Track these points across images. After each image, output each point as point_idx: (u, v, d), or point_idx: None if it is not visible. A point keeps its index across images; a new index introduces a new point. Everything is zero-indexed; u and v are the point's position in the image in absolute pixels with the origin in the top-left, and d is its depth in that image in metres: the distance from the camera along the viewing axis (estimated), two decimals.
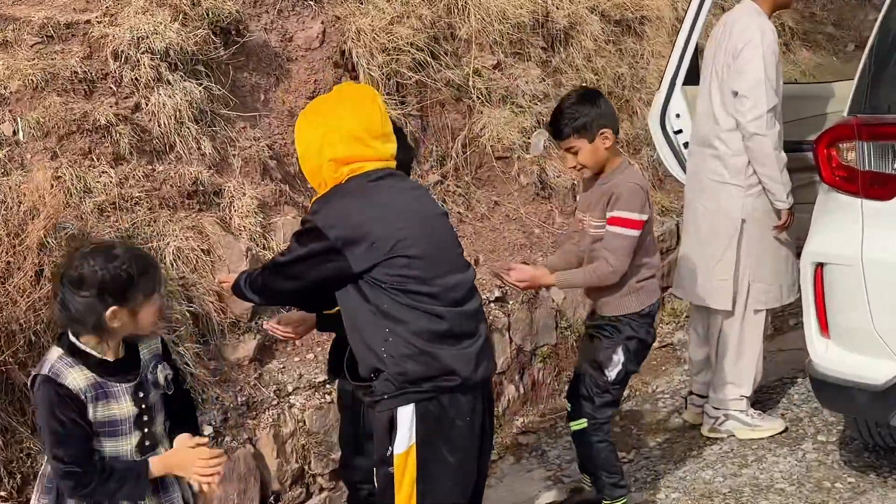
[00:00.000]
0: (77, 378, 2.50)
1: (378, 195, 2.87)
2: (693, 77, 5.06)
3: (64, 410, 2.49)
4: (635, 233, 3.61)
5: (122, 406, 2.57)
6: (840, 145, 3.51)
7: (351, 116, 2.90)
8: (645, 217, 3.64)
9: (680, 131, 5.17)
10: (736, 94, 4.22)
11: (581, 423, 3.83)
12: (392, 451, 2.85)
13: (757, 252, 4.39)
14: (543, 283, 3.90)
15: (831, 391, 3.62)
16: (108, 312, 2.49)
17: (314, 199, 2.99)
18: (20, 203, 3.43)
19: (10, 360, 3.29)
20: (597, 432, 3.81)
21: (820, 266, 3.59)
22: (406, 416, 2.82)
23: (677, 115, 5.16)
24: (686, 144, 5.03)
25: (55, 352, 2.56)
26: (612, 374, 3.76)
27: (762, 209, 4.34)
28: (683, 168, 5.08)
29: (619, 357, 3.76)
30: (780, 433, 4.58)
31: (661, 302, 4.12)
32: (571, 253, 3.97)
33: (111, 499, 2.59)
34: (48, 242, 3.48)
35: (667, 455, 4.61)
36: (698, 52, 5.16)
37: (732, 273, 4.41)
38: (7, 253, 3.30)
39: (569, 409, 3.93)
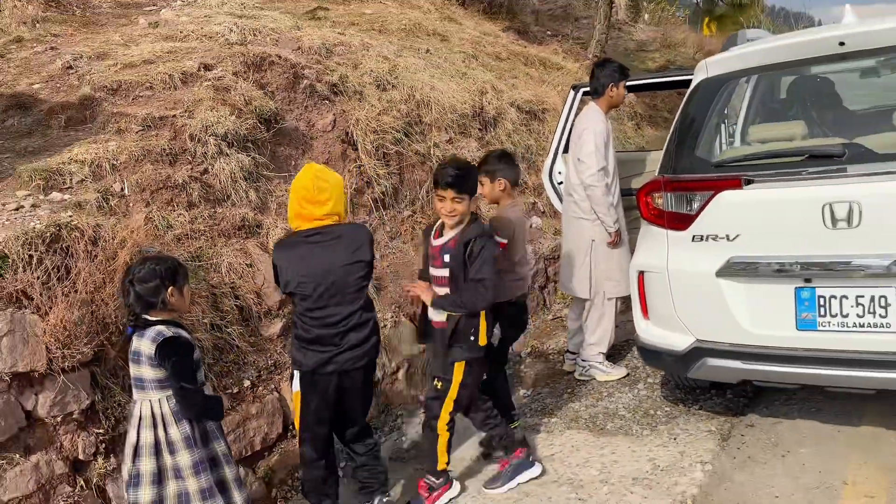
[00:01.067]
0: (185, 334, 2.57)
1: (299, 249, 2.93)
2: (567, 148, 4.85)
3: (191, 354, 2.53)
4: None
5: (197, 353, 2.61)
6: (653, 194, 3.30)
7: (299, 185, 2.93)
8: (504, 241, 3.43)
9: (561, 182, 4.96)
10: (579, 160, 4.12)
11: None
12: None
13: (605, 260, 4.22)
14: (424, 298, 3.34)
15: (651, 355, 3.43)
16: (167, 291, 2.55)
17: None
18: (114, 237, 3.19)
19: (106, 341, 3.06)
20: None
21: (641, 273, 3.39)
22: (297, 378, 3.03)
23: (559, 172, 4.97)
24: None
25: (158, 326, 2.51)
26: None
27: (604, 233, 4.20)
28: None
29: (497, 331, 3.49)
30: (624, 377, 4.39)
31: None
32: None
33: (211, 415, 2.59)
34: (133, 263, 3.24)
35: (552, 393, 4.40)
36: (571, 132, 4.95)
37: (589, 274, 4.26)
38: (102, 271, 3.06)
39: None
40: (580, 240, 4.26)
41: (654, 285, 3.31)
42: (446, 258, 3.00)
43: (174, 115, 4.28)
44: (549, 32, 10.77)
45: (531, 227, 6.18)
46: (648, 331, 3.39)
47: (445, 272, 3.03)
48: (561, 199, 5.01)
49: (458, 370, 3.07)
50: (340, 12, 7.83)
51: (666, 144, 3.38)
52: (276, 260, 2.95)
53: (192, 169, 4.11)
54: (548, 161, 5.03)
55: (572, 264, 4.33)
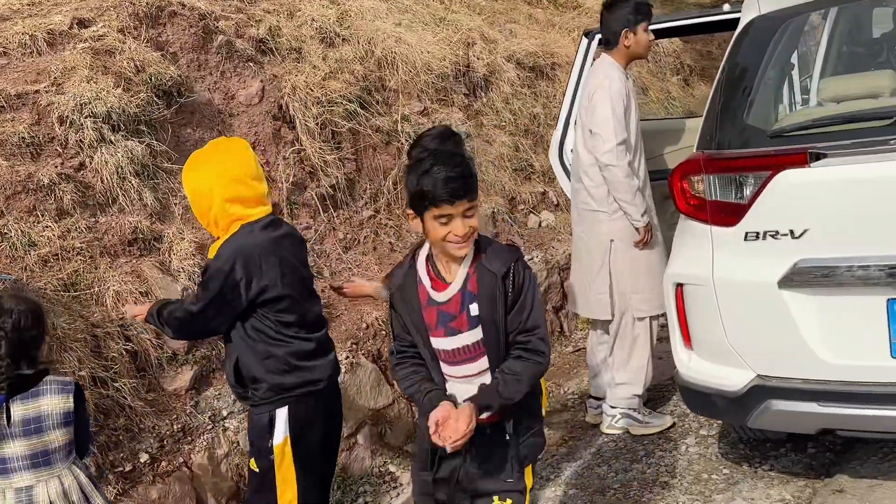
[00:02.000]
0: None
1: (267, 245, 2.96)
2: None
3: None
4: None
5: None
6: (692, 178, 3.33)
7: (233, 163, 2.95)
8: None
9: None
10: (591, 132, 4.17)
11: None
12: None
13: (629, 266, 4.26)
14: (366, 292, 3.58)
15: (696, 397, 3.44)
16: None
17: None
18: None
19: None
20: None
21: (680, 286, 3.41)
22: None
23: (571, 150, 4.98)
24: None
25: (50, 376, 2.79)
26: None
27: (627, 230, 4.22)
28: None
29: None
30: (668, 428, 4.41)
31: None
32: None
33: None
34: None
35: (570, 452, 4.42)
36: (582, 96, 5.00)
37: (608, 287, 4.29)
38: None
39: None
40: (595, 241, 4.30)
41: (696, 302, 3.34)
42: (473, 310, 2.45)
43: (37, 91, 4.30)
44: None
45: (539, 226, 6.22)
46: (692, 365, 3.42)
47: (477, 335, 2.48)
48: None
49: (530, 473, 2.64)
50: None
51: (707, 109, 3.42)
52: (252, 257, 2.90)
53: (62, 164, 4.13)
54: (556, 135, 5.07)
55: (586, 275, 4.37)
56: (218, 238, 2.99)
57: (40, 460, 2.67)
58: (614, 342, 4.42)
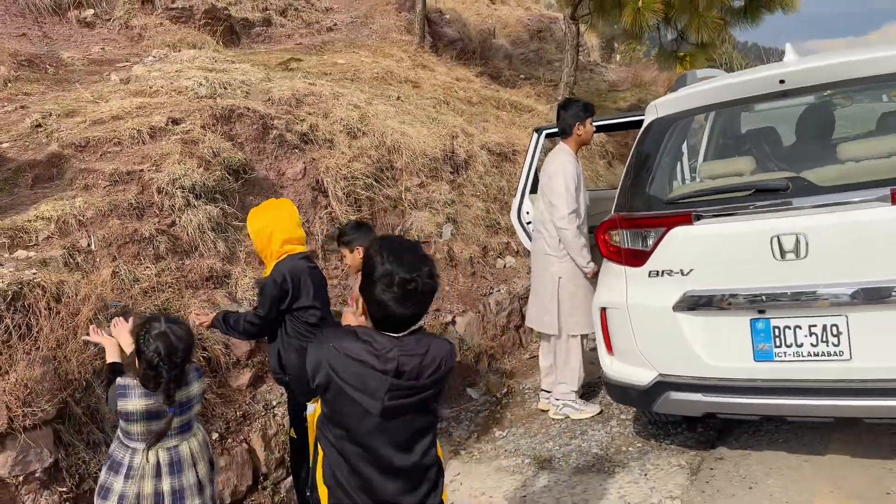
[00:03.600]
0: None
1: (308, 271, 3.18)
2: (535, 188, 4.98)
3: None
4: None
5: None
6: (611, 232, 3.40)
7: (287, 214, 3.18)
8: None
9: (529, 222, 5.07)
10: (550, 202, 4.22)
11: None
12: None
13: (570, 298, 4.30)
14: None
15: (617, 390, 3.47)
16: None
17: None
18: (77, 293, 3.23)
19: (69, 398, 3.07)
20: None
21: (604, 309, 3.46)
22: None
23: (527, 212, 5.08)
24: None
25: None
26: None
27: (571, 270, 4.27)
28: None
29: None
30: (598, 414, 4.41)
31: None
32: None
33: None
34: (98, 317, 3.28)
35: (527, 432, 4.41)
36: (537, 174, 5.10)
37: (556, 311, 4.33)
38: (64, 327, 3.10)
39: None
40: (547, 276, 4.34)
41: (615, 321, 3.38)
42: None
43: (142, 170, 4.36)
44: (521, 76, 11.06)
45: (504, 267, 6.27)
46: (613, 367, 3.45)
47: None
48: (531, 238, 5.12)
49: None
50: (313, 63, 8.03)
51: (620, 183, 3.49)
52: (297, 276, 3.08)
53: (158, 222, 4.17)
54: (515, 201, 5.14)
55: (540, 300, 4.41)
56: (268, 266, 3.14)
57: (185, 427, 2.65)
58: (556, 351, 4.44)
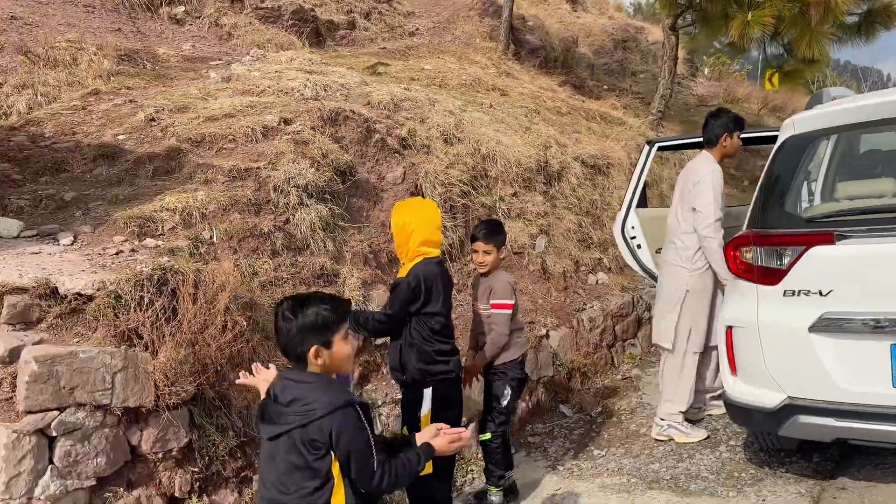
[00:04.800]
0: None
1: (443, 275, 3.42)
2: (642, 202, 5.14)
3: None
4: (509, 312, 3.80)
5: None
6: (742, 248, 3.52)
7: (432, 216, 3.39)
8: (513, 301, 3.81)
9: (634, 237, 5.21)
10: (694, 209, 4.29)
11: (486, 436, 3.93)
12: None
13: (692, 313, 4.40)
14: (478, 369, 3.93)
15: (739, 412, 3.56)
16: None
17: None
18: (213, 282, 3.54)
19: (205, 381, 3.36)
20: (495, 440, 3.91)
21: (730, 328, 3.57)
22: None
23: (632, 227, 5.22)
24: (639, 246, 5.11)
25: None
26: (503, 402, 3.86)
27: (700, 285, 4.37)
28: (636, 261, 5.16)
29: (507, 391, 3.86)
30: (705, 439, 4.49)
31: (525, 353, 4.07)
32: (474, 338, 4.03)
33: None
34: (230, 307, 3.58)
35: (627, 453, 4.53)
36: (645, 186, 5.26)
37: (675, 325, 4.43)
38: (205, 313, 3.40)
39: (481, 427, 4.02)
40: (674, 288, 4.45)
41: (742, 340, 3.49)
42: None
43: (258, 167, 4.69)
44: (605, 87, 11.22)
45: (597, 283, 6.41)
46: (736, 387, 3.55)
47: None
48: (633, 254, 5.26)
49: None
50: (399, 68, 8.37)
51: (754, 199, 3.61)
52: (430, 281, 3.32)
53: (275, 218, 4.48)
54: (620, 215, 5.29)
55: (662, 312, 4.53)
56: (403, 265, 3.38)
57: None
58: (667, 367, 4.54)
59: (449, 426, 2.44)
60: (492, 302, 3.81)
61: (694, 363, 4.47)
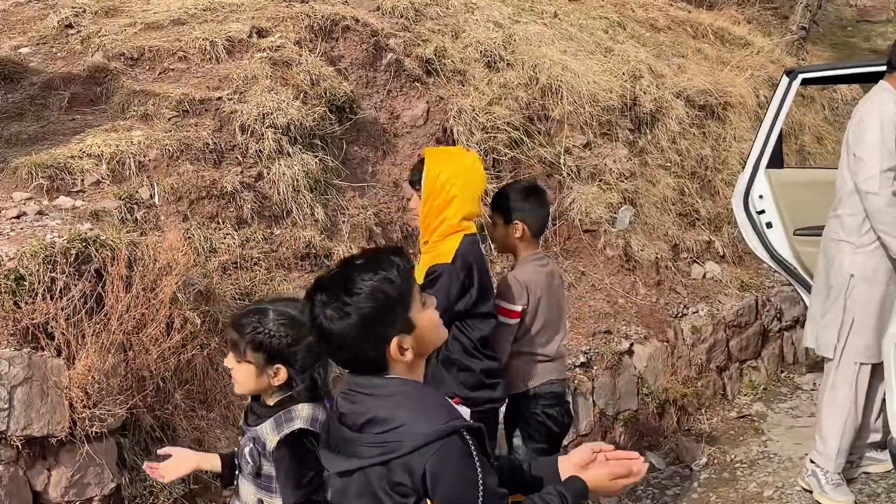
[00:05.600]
0: None
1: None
2: (777, 160, 5.07)
3: None
4: (511, 321, 3.64)
5: None
6: None
7: (478, 183, 3.43)
8: (518, 308, 3.62)
9: (762, 211, 5.15)
10: (854, 156, 4.28)
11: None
12: None
13: (863, 307, 4.36)
14: None
15: None
16: None
17: None
18: (155, 260, 3.56)
19: (140, 403, 3.40)
20: None
21: None
22: None
23: (760, 196, 5.16)
24: (769, 224, 5.05)
25: None
26: (518, 452, 3.69)
27: (871, 267, 4.33)
28: (765, 246, 5.10)
29: (516, 439, 3.72)
30: None
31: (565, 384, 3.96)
32: None
33: None
34: (178, 297, 3.60)
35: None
36: (782, 137, 5.19)
37: (838, 324, 4.41)
38: (142, 305, 3.42)
39: None
40: (834, 272, 4.43)
41: None
42: None
43: (219, 98, 4.71)
44: None
45: (704, 277, 6.37)
46: None
47: None
48: (759, 235, 5.21)
49: None
50: None
51: None
52: (476, 270, 3.35)
53: (242, 172, 4.51)
54: (742, 179, 5.23)
55: (821, 306, 4.52)
56: (426, 243, 3.41)
57: None
58: (826, 384, 4.53)
59: (612, 447, 2.22)
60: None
61: (851, 378, 4.42)
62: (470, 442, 1.96)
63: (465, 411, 3.32)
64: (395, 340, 2.00)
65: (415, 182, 3.52)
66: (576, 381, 4.96)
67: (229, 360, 2.58)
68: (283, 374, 2.51)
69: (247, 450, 2.56)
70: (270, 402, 2.57)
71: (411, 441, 1.93)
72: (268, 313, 2.53)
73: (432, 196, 3.32)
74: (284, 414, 2.51)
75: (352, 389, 2.05)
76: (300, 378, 2.52)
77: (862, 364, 4.41)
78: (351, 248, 4.70)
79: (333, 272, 2.09)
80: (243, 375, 2.55)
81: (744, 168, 5.31)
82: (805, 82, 5.16)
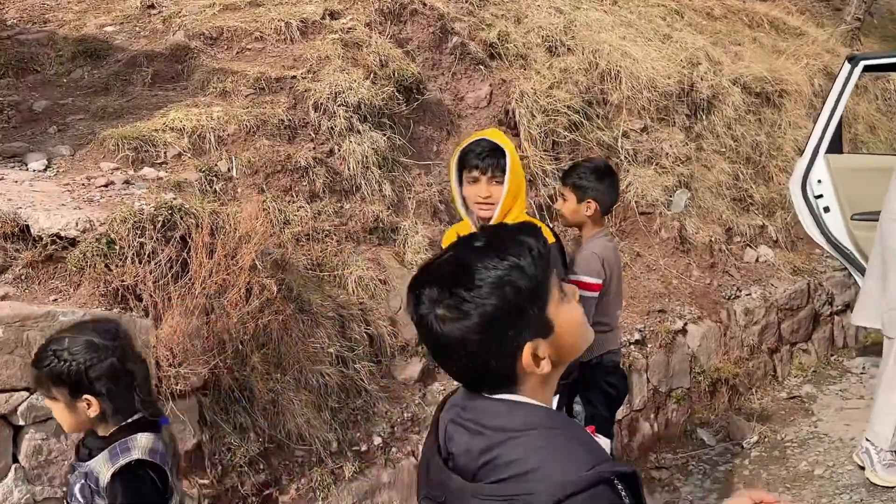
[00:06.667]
0: None
1: None
2: (836, 146, 5.01)
3: None
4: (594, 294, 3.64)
5: None
6: None
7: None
8: (599, 281, 3.64)
9: (820, 196, 5.10)
10: None
11: None
12: None
13: None
14: None
15: None
16: None
17: None
18: (235, 230, 3.62)
19: (222, 366, 3.46)
20: None
21: None
22: None
23: (819, 181, 5.11)
24: (827, 209, 5.00)
25: None
26: (577, 418, 3.67)
27: None
28: (822, 231, 5.05)
29: (577, 405, 3.68)
30: None
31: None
32: None
33: None
34: (256, 265, 3.66)
35: (795, 499, 4.48)
36: (841, 124, 5.12)
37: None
38: (224, 271, 3.48)
39: None
40: (883, 248, 4.41)
41: None
42: None
43: (294, 77, 4.76)
44: None
45: (756, 261, 6.32)
46: None
47: None
48: (817, 220, 5.16)
49: None
50: None
51: None
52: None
53: (315, 148, 4.56)
54: (801, 163, 5.19)
55: (874, 289, 4.48)
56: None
57: None
58: (889, 363, 4.45)
59: (774, 499, 1.68)
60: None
61: None
62: (622, 493, 1.45)
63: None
64: (527, 347, 1.50)
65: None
66: (630, 358, 4.96)
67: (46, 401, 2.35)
68: (95, 405, 2.25)
69: (76, 487, 2.31)
70: (103, 433, 2.31)
71: (548, 492, 1.42)
72: (63, 342, 2.28)
73: (518, 182, 3.22)
74: (120, 445, 2.26)
75: (469, 418, 1.54)
76: (111, 407, 2.26)
77: None
78: (416, 223, 4.74)
79: (445, 257, 1.56)
80: (58, 414, 2.32)
81: (801, 154, 5.26)
82: (867, 69, 5.09)
